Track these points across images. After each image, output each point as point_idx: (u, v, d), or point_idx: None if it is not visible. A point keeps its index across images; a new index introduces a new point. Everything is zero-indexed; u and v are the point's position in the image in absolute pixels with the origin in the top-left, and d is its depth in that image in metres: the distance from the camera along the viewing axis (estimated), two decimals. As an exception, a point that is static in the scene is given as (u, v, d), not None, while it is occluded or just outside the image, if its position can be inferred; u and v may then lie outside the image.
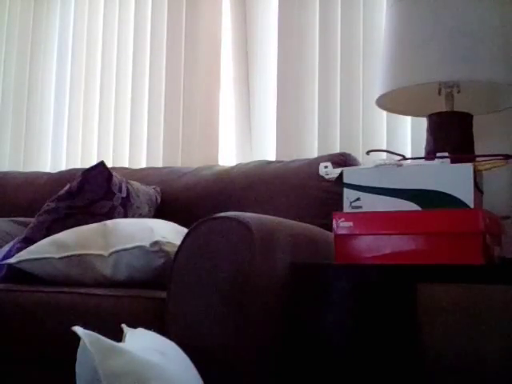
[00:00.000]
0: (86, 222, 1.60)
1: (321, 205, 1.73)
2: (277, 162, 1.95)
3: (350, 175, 1.28)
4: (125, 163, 2.38)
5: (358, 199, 1.26)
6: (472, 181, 1.18)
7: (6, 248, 1.64)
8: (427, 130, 1.58)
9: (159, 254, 1.38)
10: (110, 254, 1.40)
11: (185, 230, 1.43)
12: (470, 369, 1.06)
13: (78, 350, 0.87)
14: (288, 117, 2.09)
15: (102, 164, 1.68)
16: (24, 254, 1.48)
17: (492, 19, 1.49)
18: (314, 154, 2.03)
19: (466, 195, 1.18)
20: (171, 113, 2.31)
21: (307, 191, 1.76)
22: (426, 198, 1.21)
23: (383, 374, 1.12)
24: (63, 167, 2.49)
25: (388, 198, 1.24)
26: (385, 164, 1.26)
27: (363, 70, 2.00)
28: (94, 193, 1.65)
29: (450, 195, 1.20)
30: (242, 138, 2.20)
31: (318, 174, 1.67)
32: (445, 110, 1.57)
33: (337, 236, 1.25)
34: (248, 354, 1.13)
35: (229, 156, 2.24)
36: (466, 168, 1.19)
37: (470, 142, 1.55)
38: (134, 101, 2.39)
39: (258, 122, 2.19)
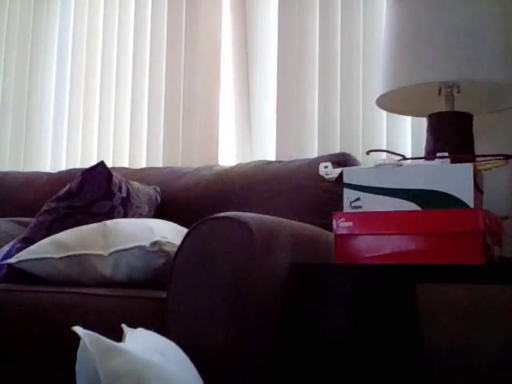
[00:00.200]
0: (86, 222, 1.60)
1: (321, 205, 1.73)
2: (277, 161, 1.95)
3: (350, 175, 1.28)
4: (125, 163, 2.38)
5: (358, 199, 1.26)
6: (472, 181, 1.18)
7: (6, 248, 1.64)
8: (427, 130, 1.58)
9: (159, 254, 1.38)
10: (110, 254, 1.40)
11: (185, 230, 1.43)
12: (470, 369, 1.06)
13: (78, 349, 0.87)
14: (288, 117, 2.09)
15: (102, 164, 1.68)
16: (24, 254, 1.48)
17: (492, 19, 1.49)
18: (314, 154, 2.03)
19: (466, 195, 1.18)
20: (171, 113, 2.31)
21: (307, 191, 1.76)
22: (426, 198, 1.21)
23: (383, 373, 1.12)
24: (63, 167, 2.49)
25: (388, 198, 1.24)
26: (385, 164, 1.26)
27: (363, 70, 2.00)
28: (94, 193, 1.65)
29: (450, 195, 1.20)
30: (242, 138, 2.20)
31: (317, 174, 1.67)
32: (445, 110, 1.57)
33: (337, 236, 1.25)
34: (248, 354, 1.13)
35: (229, 156, 2.24)
36: (466, 168, 1.19)
37: (470, 142, 1.55)
38: (133, 101, 2.39)
39: (258, 122, 2.19)
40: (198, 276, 1.16)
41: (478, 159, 1.30)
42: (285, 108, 2.10)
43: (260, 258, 1.16)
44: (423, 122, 1.68)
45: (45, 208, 1.65)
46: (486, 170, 1.27)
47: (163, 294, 1.21)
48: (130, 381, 0.84)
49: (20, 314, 1.34)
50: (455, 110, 1.58)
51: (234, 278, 1.13)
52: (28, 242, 1.60)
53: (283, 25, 2.12)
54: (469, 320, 1.06)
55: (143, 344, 0.96)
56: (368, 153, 1.45)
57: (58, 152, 2.54)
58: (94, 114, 2.48)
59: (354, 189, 1.27)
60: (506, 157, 1.26)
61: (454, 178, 1.20)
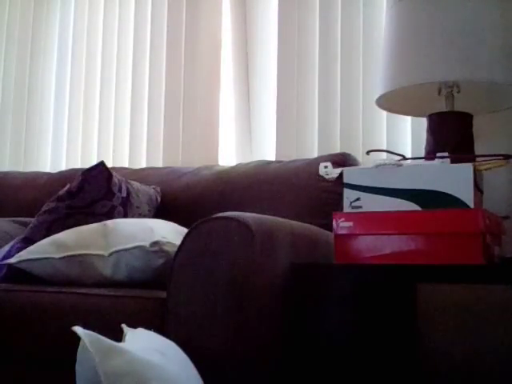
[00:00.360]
0: (86, 222, 1.60)
1: (321, 205, 1.73)
2: (277, 161, 1.95)
3: (350, 175, 1.28)
4: (125, 163, 2.38)
5: (358, 199, 1.26)
6: (472, 181, 1.19)
7: (6, 248, 1.64)
8: (427, 130, 1.58)
9: (159, 254, 1.38)
10: (110, 254, 1.40)
11: (185, 230, 1.43)
12: (470, 369, 1.06)
13: (78, 350, 0.87)
14: (288, 117, 2.09)
15: (101, 164, 1.68)
16: (24, 254, 1.48)
17: (492, 19, 1.49)
18: (314, 154, 2.03)
19: (466, 195, 1.18)
20: (171, 113, 2.31)
21: (307, 191, 1.76)
22: (426, 197, 1.21)
23: (383, 373, 1.12)
24: (63, 167, 2.49)
25: (388, 198, 1.24)
26: (385, 164, 1.26)
27: (363, 70, 2.00)
28: (93, 193, 1.65)
29: (450, 195, 1.20)
30: (242, 138, 2.20)
31: (317, 174, 1.67)
32: (445, 110, 1.57)
33: (337, 236, 1.25)
34: (248, 354, 1.13)
35: (229, 156, 2.24)
36: (466, 168, 1.19)
37: (470, 142, 1.55)
38: (133, 101, 2.39)
39: (257, 122, 2.19)
40: (198, 276, 1.16)
41: (478, 159, 1.31)
42: (285, 108, 2.10)
43: (260, 258, 1.16)
44: (423, 121, 1.68)
45: (45, 208, 1.65)
46: (486, 169, 1.27)
47: (163, 294, 1.21)
48: (130, 381, 0.84)
49: (20, 314, 1.34)
50: (455, 109, 1.58)
51: (234, 278, 1.13)
52: (28, 241, 1.60)
53: (283, 25, 2.12)
54: (469, 320, 1.06)
55: (143, 344, 0.96)
56: (368, 153, 1.45)
57: (58, 152, 2.54)
58: (94, 114, 2.48)
59: (354, 189, 1.27)
60: (506, 157, 1.26)
61: (454, 178, 1.20)
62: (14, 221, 1.97)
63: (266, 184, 1.84)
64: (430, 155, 1.51)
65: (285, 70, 2.11)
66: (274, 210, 1.75)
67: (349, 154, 1.82)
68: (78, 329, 0.87)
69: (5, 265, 1.51)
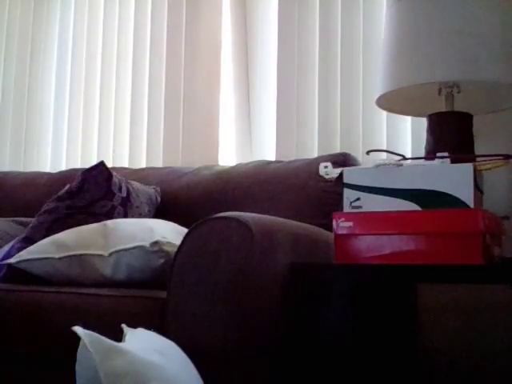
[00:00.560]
0: (86, 222, 1.60)
1: (321, 205, 1.73)
2: (277, 161, 1.95)
3: (350, 175, 1.28)
4: (125, 163, 2.38)
5: (358, 199, 1.26)
6: (472, 181, 1.18)
7: (6, 248, 1.64)
8: (427, 130, 1.58)
9: (159, 254, 1.38)
10: (110, 254, 1.40)
11: (185, 230, 1.43)
12: (470, 369, 1.06)
13: (78, 350, 0.87)
14: (288, 117, 2.09)
15: (101, 164, 1.68)
16: (24, 254, 1.48)
17: (492, 19, 1.49)
18: (314, 154, 2.03)
19: (466, 195, 1.18)
20: (171, 113, 2.31)
21: (307, 191, 1.76)
22: (426, 197, 1.21)
23: (383, 373, 1.12)
24: (63, 167, 2.49)
25: (388, 198, 1.24)
26: (385, 164, 1.26)
27: (363, 70, 2.00)
28: (93, 193, 1.65)
29: (450, 195, 1.20)
30: (242, 138, 2.20)
31: (317, 173, 1.67)
32: (445, 110, 1.57)
33: (337, 236, 1.25)
34: (248, 354, 1.13)
35: (229, 156, 2.24)
36: (466, 168, 1.19)
37: (470, 142, 1.55)
38: (133, 101, 2.39)
39: (258, 122, 2.19)
40: (198, 276, 1.16)
41: (478, 159, 1.30)
42: (285, 108, 2.10)
43: (260, 258, 1.16)
44: (423, 121, 1.68)
45: (45, 208, 1.65)
46: (486, 169, 1.27)
47: (163, 294, 1.21)
48: (130, 381, 0.84)
49: (20, 314, 1.34)
50: (455, 109, 1.58)
51: (234, 278, 1.13)
52: (28, 241, 1.60)
53: (283, 25, 2.12)
54: (469, 320, 1.06)
55: (143, 344, 0.96)
56: (368, 153, 1.44)
57: (58, 152, 2.54)
58: (94, 114, 2.48)
59: (354, 189, 1.27)
60: (506, 157, 1.26)
61: (453, 178, 1.19)
62: (13, 221, 1.97)
63: (266, 184, 1.84)
64: (430, 155, 1.51)
65: (285, 70, 2.11)
66: (274, 210, 1.75)
67: (349, 154, 1.82)
68: (78, 329, 0.87)
69: (5, 265, 1.51)
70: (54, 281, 1.46)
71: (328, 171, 1.34)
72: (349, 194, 1.27)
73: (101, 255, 1.41)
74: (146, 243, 1.37)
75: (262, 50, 2.21)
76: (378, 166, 1.26)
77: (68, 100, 2.54)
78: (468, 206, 1.18)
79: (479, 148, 1.64)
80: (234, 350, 1.12)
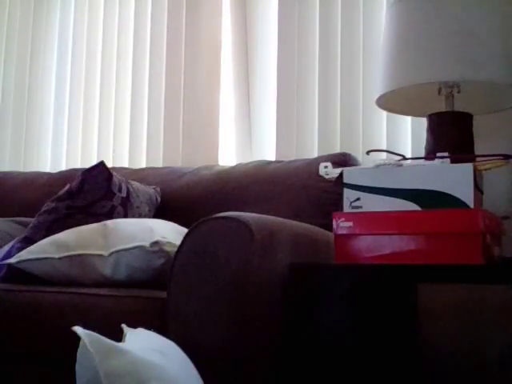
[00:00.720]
0: (86, 222, 1.60)
1: (321, 205, 1.73)
2: (277, 161, 1.95)
3: (350, 175, 1.28)
4: (125, 163, 2.38)
5: (358, 199, 1.26)
6: (472, 181, 1.18)
7: (6, 248, 1.64)
8: (427, 130, 1.58)
9: (159, 254, 1.38)
10: (110, 254, 1.40)
11: (185, 230, 1.43)
12: (470, 369, 1.05)
13: (78, 350, 0.87)
14: (288, 117, 2.09)
15: (101, 164, 1.68)
16: (24, 254, 1.48)
17: (492, 19, 1.49)
18: (314, 154, 2.03)
19: (466, 195, 1.18)
20: (171, 113, 2.31)
21: (307, 191, 1.76)
22: (426, 198, 1.21)
23: (383, 373, 1.12)
24: (63, 167, 2.49)
25: (388, 197, 1.24)
26: (385, 164, 1.26)
27: (363, 70, 2.00)
28: (93, 193, 1.65)
29: (450, 195, 1.20)
30: (242, 138, 2.20)
31: (317, 174, 1.67)
32: (445, 110, 1.57)
33: (337, 236, 1.25)
34: (248, 354, 1.13)
35: (229, 156, 2.24)
36: (466, 168, 1.19)
37: (470, 142, 1.55)
38: (133, 101, 2.39)
39: (258, 122, 2.19)
40: (198, 276, 1.16)
41: (478, 159, 1.30)
42: (285, 108, 2.10)
43: (260, 258, 1.16)
44: (423, 121, 1.68)
45: (45, 208, 1.65)
46: (486, 169, 1.27)
47: (163, 294, 1.21)
48: (130, 381, 0.84)
49: (20, 314, 1.34)
50: (455, 110, 1.58)
51: (234, 278, 1.13)
52: (28, 241, 1.60)
53: (283, 25, 2.12)
54: (469, 320, 1.06)
55: (143, 344, 0.96)
56: (368, 153, 1.44)
57: (58, 152, 2.54)
58: (93, 114, 2.48)
59: (354, 189, 1.27)
60: (506, 157, 1.26)
61: (454, 178, 1.19)
62: (13, 221, 1.97)
63: (266, 184, 1.84)
64: (430, 155, 1.51)
65: (285, 70, 2.11)
66: (274, 210, 1.75)
67: (349, 154, 1.82)
68: (78, 329, 0.87)
69: (5, 265, 1.51)
70: (54, 281, 1.46)
71: (328, 171, 1.34)
72: (349, 194, 1.27)
73: (101, 255, 1.41)
74: (146, 243, 1.37)
75: (262, 50, 2.21)
76: (378, 165, 1.26)
77: (68, 100, 2.54)
78: (468, 206, 1.18)
79: (479, 148, 1.64)
80: (234, 349, 1.12)
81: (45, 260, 1.45)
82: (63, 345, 1.26)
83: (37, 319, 1.32)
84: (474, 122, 1.57)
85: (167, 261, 1.37)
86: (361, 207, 1.26)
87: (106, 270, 1.41)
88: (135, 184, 1.85)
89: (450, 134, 1.53)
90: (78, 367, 0.88)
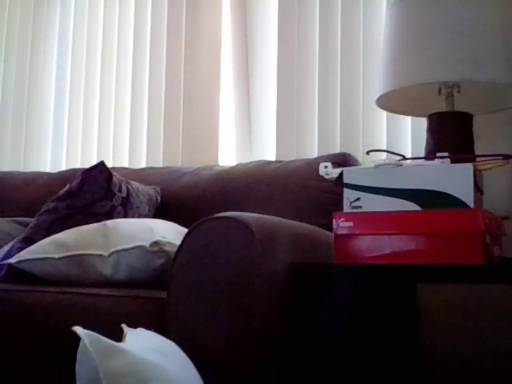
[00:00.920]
0: (86, 222, 1.60)
1: (321, 205, 1.73)
2: (277, 161, 1.95)
3: (350, 175, 1.28)
4: (125, 163, 2.38)
5: (358, 199, 1.26)
6: (472, 181, 1.18)
7: (6, 248, 1.64)
8: (427, 130, 1.58)
9: (159, 254, 1.38)
10: (110, 254, 1.40)
11: (185, 230, 1.43)
12: (470, 369, 1.05)
13: (78, 350, 0.87)
14: (288, 117, 2.09)
15: (101, 164, 1.68)
16: (24, 254, 1.48)
17: (492, 19, 1.49)
18: (314, 154, 2.03)
19: (466, 195, 1.18)
20: (171, 113, 2.31)
21: (307, 191, 1.76)
22: (426, 197, 1.21)
23: (383, 373, 1.12)
24: (63, 167, 2.49)
25: (388, 197, 1.24)
26: (385, 164, 1.26)
27: (363, 70, 2.00)
28: (93, 193, 1.65)
29: (450, 195, 1.20)
30: (242, 138, 2.20)
31: (317, 173, 1.67)
32: (445, 110, 1.57)
33: (337, 236, 1.25)
34: (248, 354, 1.13)
35: (229, 156, 2.24)
36: (466, 168, 1.19)
37: (470, 142, 1.55)
38: (133, 101, 2.39)
39: (258, 122, 2.19)
40: (198, 276, 1.16)
41: (478, 159, 1.30)
42: (285, 108, 2.10)
43: (260, 258, 1.16)
44: (423, 121, 1.68)
45: (45, 208, 1.65)
46: (485, 169, 1.27)
47: (163, 294, 1.21)
48: (130, 381, 0.84)
49: (20, 314, 1.34)
50: (455, 110, 1.58)
51: (234, 278, 1.13)
52: (28, 242, 1.60)
53: (283, 25, 2.12)
54: (469, 320, 1.06)
55: (143, 344, 0.96)
56: (368, 153, 1.45)
57: (58, 152, 2.54)
58: (93, 114, 2.48)
59: (354, 189, 1.27)
60: (506, 157, 1.26)
61: (454, 178, 1.19)
62: (14, 221, 1.97)
63: (266, 184, 1.84)
64: (430, 155, 1.51)
65: (285, 70, 2.11)
66: (274, 210, 1.75)
67: (349, 154, 1.82)
68: (78, 329, 0.87)
69: (5, 265, 1.51)
70: (54, 281, 1.46)
71: (328, 171, 1.34)
72: (349, 194, 1.27)
73: (101, 255, 1.41)
74: (146, 243, 1.37)
75: (262, 50, 2.21)
76: (377, 166, 1.26)
77: (68, 100, 2.54)
78: (468, 206, 1.18)
79: (479, 148, 1.64)
80: (234, 349, 1.12)
81: (45, 260, 1.45)
82: (63, 345, 1.25)
83: (37, 319, 1.32)
84: (474, 122, 1.57)
85: (167, 261, 1.37)
86: (361, 207, 1.26)
87: (106, 270, 1.41)
88: (135, 184, 1.85)
89: (450, 134, 1.53)
90: (77, 367, 0.88)
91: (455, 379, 1.06)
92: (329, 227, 1.36)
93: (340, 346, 1.16)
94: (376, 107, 1.70)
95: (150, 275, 1.41)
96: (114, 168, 2.19)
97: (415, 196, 1.22)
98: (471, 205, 1.18)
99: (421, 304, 1.09)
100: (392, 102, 1.68)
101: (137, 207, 1.78)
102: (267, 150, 2.16)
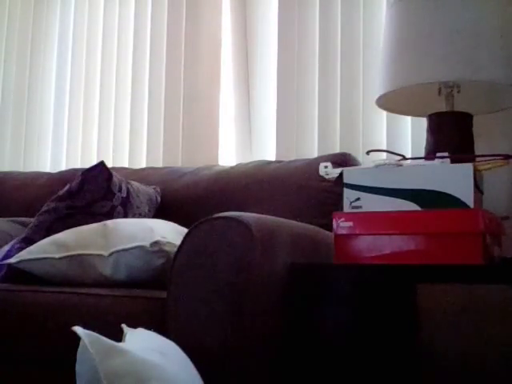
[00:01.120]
0: (86, 222, 1.60)
1: (321, 205, 1.73)
2: (277, 161, 1.95)
3: (350, 175, 1.28)
4: (125, 163, 2.38)
5: (358, 199, 1.26)
6: (472, 181, 1.19)
7: (6, 248, 1.64)
8: (427, 130, 1.58)
9: (159, 254, 1.38)
10: (110, 254, 1.40)
11: (185, 230, 1.43)
12: (470, 369, 1.05)
13: (78, 350, 0.87)
14: (288, 117, 2.09)
15: (101, 164, 1.68)
16: (24, 254, 1.48)
17: (492, 19, 1.49)
18: (314, 154, 2.03)
19: (466, 195, 1.18)
20: (171, 113, 2.31)
21: (307, 191, 1.76)
22: (426, 197, 1.21)
23: (383, 373, 1.12)
24: (63, 167, 2.49)
25: (388, 198, 1.24)
26: (385, 164, 1.26)
27: (363, 70, 2.00)
28: (93, 193, 1.65)
29: (450, 195, 1.20)
30: (242, 137, 2.20)
31: (318, 173, 1.67)
32: (445, 110, 1.57)
33: (337, 236, 1.25)
34: (248, 354, 1.13)
35: (229, 156, 2.24)
36: (466, 168, 1.19)
37: (470, 142, 1.55)
38: (134, 101, 2.39)
39: (258, 122, 2.19)
40: (197, 276, 1.16)
41: (477, 159, 1.31)
42: (285, 108, 2.10)
43: (260, 258, 1.16)
44: (423, 121, 1.68)
45: (45, 208, 1.65)
46: (485, 169, 1.27)
47: (163, 294, 1.21)
48: (130, 381, 0.84)
49: (20, 314, 1.34)
50: (455, 110, 1.58)
51: (233, 278, 1.13)
52: (28, 242, 1.60)
53: (283, 25, 2.12)
54: (469, 320, 1.06)
55: (143, 344, 0.96)
56: (368, 153, 1.45)
57: (58, 152, 2.54)
58: (93, 114, 2.48)
59: (354, 189, 1.27)
60: (506, 157, 1.26)
61: (454, 178, 1.20)
62: (13, 221, 1.97)
63: (266, 184, 1.84)
64: (430, 155, 1.51)
65: (285, 70, 2.11)
66: (274, 210, 1.75)
67: (349, 154, 1.82)
68: (78, 329, 0.87)
69: (5, 265, 1.51)
70: (54, 281, 1.46)
71: (328, 171, 1.34)
72: (349, 194, 1.27)
73: (101, 255, 1.41)
74: (146, 243, 1.37)
75: (262, 50, 2.20)
76: (377, 165, 1.26)
77: (68, 100, 2.54)
78: (468, 206, 1.18)
79: (479, 148, 1.64)
80: (234, 349, 1.12)
81: (45, 260, 1.45)
82: (63, 345, 1.25)
83: (37, 319, 1.32)
84: (474, 122, 1.57)
85: (167, 261, 1.37)
86: (361, 207, 1.26)
87: (106, 269, 1.41)
88: (135, 184, 1.85)
89: (450, 134, 1.53)
90: (78, 367, 0.88)
91: (455, 379, 1.06)
92: (329, 227, 1.36)
93: (340, 346, 1.16)
94: (376, 107, 1.70)
95: (150, 275, 1.41)
96: (113, 168, 2.19)
97: (415, 196, 1.22)
98: (471, 205, 1.18)
99: (421, 304, 1.09)
100: (392, 102, 1.68)
101: (137, 207, 1.78)
102: (267, 150, 2.16)
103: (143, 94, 2.37)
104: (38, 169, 2.55)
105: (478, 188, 1.24)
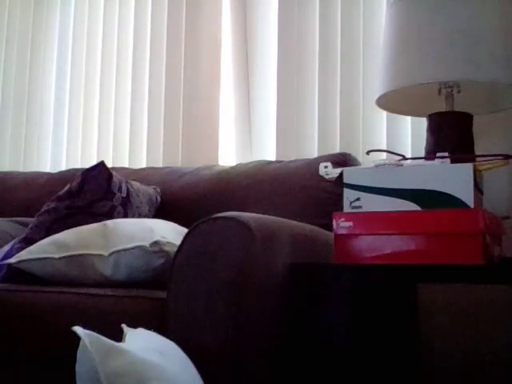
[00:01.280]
0: (86, 222, 1.60)
1: (321, 205, 1.73)
2: (277, 161, 1.95)
3: (350, 175, 1.28)
4: (125, 163, 2.38)
5: (358, 199, 1.26)
6: (472, 181, 1.19)
7: (6, 248, 1.64)
8: (427, 130, 1.58)
9: (159, 254, 1.37)
10: (110, 254, 1.40)
11: (185, 230, 1.43)
12: (470, 369, 1.05)
13: (78, 350, 0.87)
14: (288, 117, 2.09)
15: (102, 164, 1.68)
16: (24, 254, 1.48)
17: (492, 19, 1.49)
18: (314, 154, 2.03)
19: (466, 195, 1.18)
20: (171, 113, 2.31)
21: (307, 191, 1.76)
22: (426, 197, 1.21)
23: (383, 374, 1.12)
24: (63, 167, 2.49)
25: (388, 198, 1.24)
26: (385, 164, 1.26)
27: (363, 69, 2.00)
28: (93, 193, 1.65)
29: (450, 195, 1.20)
30: (242, 138, 2.20)
31: (318, 174, 1.67)
32: (445, 110, 1.58)
33: (337, 236, 1.25)
34: (248, 354, 1.13)
35: (229, 156, 2.24)
36: (466, 168, 1.19)
37: (470, 142, 1.55)
38: (133, 101, 2.39)
39: (258, 122, 2.19)
40: (197, 276, 1.16)
41: (478, 159, 1.31)
42: (285, 108, 2.10)
43: (260, 258, 1.16)
44: (423, 121, 1.68)
45: (45, 208, 1.65)
46: (485, 169, 1.27)
47: (163, 294, 1.21)
48: (130, 381, 0.84)
49: (20, 314, 1.34)
50: (455, 110, 1.58)
51: (233, 278, 1.13)
52: (28, 242, 1.60)
53: (283, 25, 2.12)
54: (469, 320, 1.06)
55: (143, 344, 0.96)
56: (368, 153, 1.45)
57: (58, 152, 2.54)
58: (93, 114, 2.48)
59: (354, 189, 1.27)
60: (506, 157, 1.26)
61: (454, 178, 1.20)
62: (13, 221, 1.97)
63: (266, 184, 1.84)
64: (430, 155, 1.51)
65: (285, 71, 2.11)
66: (274, 210, 1.75)
67: (349, 154, 1.82)
68: (78, 329, 0.87)
69: (5, 265, 1.51)
70: (54, 281, 1.46)
71: (328, 171, 1.34)
72: (349, 194, 1.27)
73: (101, 255, 1.41)
74: (146, 243, 1.37)
75: (262, 50, 2.21)
76: (377, 165, 1.26)
77: (68, 100, 2.54)
78: (468, 206, 1.18)
79: (479, 148, 1.64)
80: (234, 349, 1.12)
81: (45, 260, 1.45)
82: (63, 345, 1.25)
83: (37, 319, 1.32)
84: (474, 122, 1.57)
85: (167, 261, 1.37)
86: (361, 207, 1.26)
87: (106, 269, 1.41)
88: (135, 184, 1.85)
89: (450, 134, 1.53)
90: (78, 367, 0.88)
91: (455, 379, 1.06)
92: (329, 227, 1.36)
93: (340, 346, 1.16)
94: (376, 107, 1.70)
95: (150, 275, 1.41)
96: (113, 168, 2.19)
97: (415, 196, 1.22)
98: (471, 205, 1.18)
99: (421, 304, 1.09)
100: (392, 102, 1.68)
101: (137, 207, 1.78)
102: (267, 150, 2.16)
103: (143, 94, 2.37)
104: (38, 169, 2.55)
105: (478, 188, 1.24)
